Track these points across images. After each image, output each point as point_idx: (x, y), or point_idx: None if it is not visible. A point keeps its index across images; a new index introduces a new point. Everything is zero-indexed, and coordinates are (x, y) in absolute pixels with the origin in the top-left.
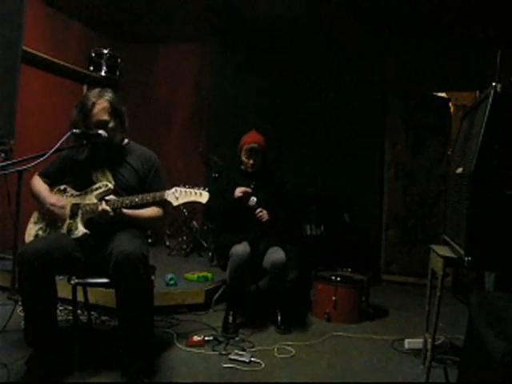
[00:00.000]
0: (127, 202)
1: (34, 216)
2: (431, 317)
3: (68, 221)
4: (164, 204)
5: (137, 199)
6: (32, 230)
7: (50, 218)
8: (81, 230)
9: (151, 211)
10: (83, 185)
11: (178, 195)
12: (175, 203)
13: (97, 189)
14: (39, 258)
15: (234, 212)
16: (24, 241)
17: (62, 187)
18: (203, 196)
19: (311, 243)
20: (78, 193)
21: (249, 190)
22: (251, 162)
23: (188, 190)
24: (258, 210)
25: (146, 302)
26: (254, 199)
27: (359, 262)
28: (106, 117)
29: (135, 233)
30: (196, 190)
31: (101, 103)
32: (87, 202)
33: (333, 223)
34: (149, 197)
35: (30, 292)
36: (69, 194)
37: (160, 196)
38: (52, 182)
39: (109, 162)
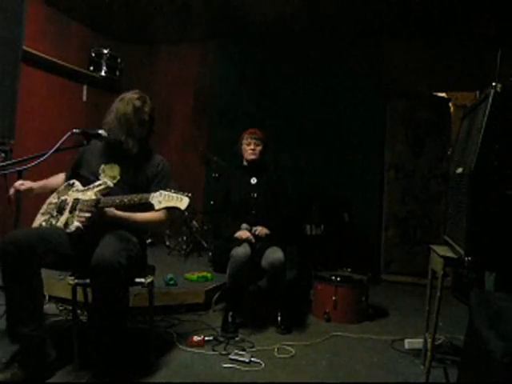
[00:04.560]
0: (117, 201)
1: (44, 207)
2: (431, 317)
3: (67, 215)
4: (170, 209)
5: (125, 200)
6: (38, 220)
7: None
8: (75, 224)
9: (149, 215)
10: (92, 177)
11: (161, 199)
12: (157, 207)
13: (98, 185)
14: (17, 247)
15: (233, 211)
16: None
17: (71, 182)
18: (183, 202)
19: (311, 243)
20: (82, 188)
21: (251, 238)
22: (251, 147)
23: (171, 194)
24: (254, 229)
25: (116, 307)
26: (243, 225)
27: (359, 262)
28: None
29: (124, 235)
30: (178, 195)
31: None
32: (86, 198)
33: (333, 223)
34: (136, 198)
35: (11, 282)
36: (74, 189)
37: (145, 198)
38: (71, 176)
39: (119, 158)
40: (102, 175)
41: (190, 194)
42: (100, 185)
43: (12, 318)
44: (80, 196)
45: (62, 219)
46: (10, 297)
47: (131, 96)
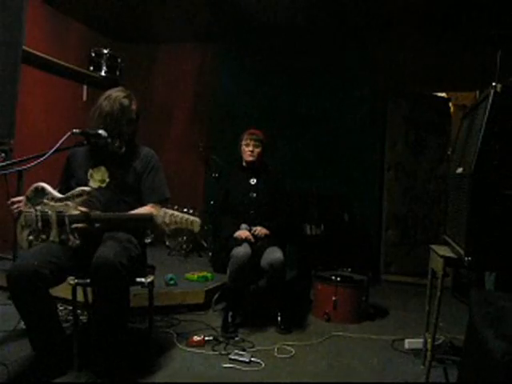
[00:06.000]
0: (112, 217)
1: (21, 218)
2: (431, 317)
3: (57, 229)
4: (162, 202)
5: (124, 217)
6: (24, 236)
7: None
8: (75, 241)
9: (141, 211)
10: (80, 183)
11: (167, 220)
12: (166, 228)
13: (78, 195)
14: (28, 277)
15: (232, 211)
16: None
17: (40, 186)
18: (194, 224)
19: (311, 243)
20: (58, 195)
21: (251, 237)
22: (250, 148)
23: (178, 214)
24: (253, 230)
25: (118, 307)
26: (243, 225)
27: (359, 262)
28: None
29: (124, 236)
30: (186, 216)
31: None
32: (72, 211)
33: (332, 223)
34: (136, 216)
35: (26, 310)
36: (49, 197)
37: (148, 217)
38: (65, 187)
39: (106, 160)
40: (90, 181)
41: (197, 212)
42: (80, 194)
43: (31, 335)
44: (62, 208)
45: (54, 234)
46: (26, 320)
47: (118, 94)
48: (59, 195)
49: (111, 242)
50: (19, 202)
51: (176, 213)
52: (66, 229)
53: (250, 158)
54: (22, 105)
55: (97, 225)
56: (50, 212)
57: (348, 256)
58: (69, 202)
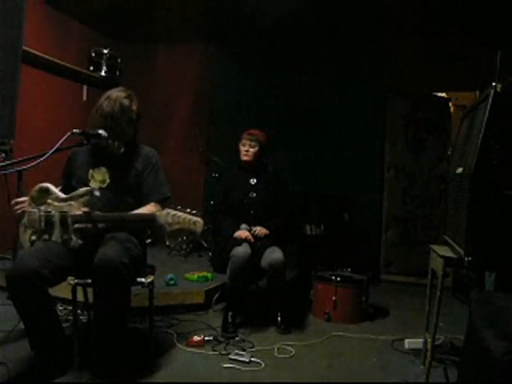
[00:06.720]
0: (115, 217)
1: (24, 219)
2: (431, 317)
3: (60, 229)
4: (163, 202)
5: (127, 217)
6: (26, 234)
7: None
8: (78, 242)
9: (143, 211)
10: (82, 186)
11: (170, 220)
12: (168, 229)
13: (82, 195)
14: (27, 277)
15: (232, 211)
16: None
17: (44, 186)
18: (197, 225)
19: (311, 243)
20: (62, 195)
21: (251, 237)
22: (246, 148)
23: (181, 215)
24: (254, 229)
25: (119, 307)
26: (243, 225)
27: (359, 262)
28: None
29: (124, 236)
30: (189, 217)
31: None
32: (75, 211)
33: (333, 223)
34: (139, 216)
35: (25, 310)
36: (54, 197)
37: (151, 217)
38: (67, 188)
39: (107, 160)
40: (91, 181)
41: (199, 213)
42: (84, 194)
43: (30, 335)
44: (65, 208)
45: (57, 234)
46: (27, 323)
47: (118, 94)
48: (63, 195)
49: (112, 242)
50: (23, 202)
51: (179, 213)
52: (68, 229)
53: (245, 158)
54: (22, 105)
55: (100, 225)
56: (53, 212)
57: (348, 256)
58: (72, 202)
